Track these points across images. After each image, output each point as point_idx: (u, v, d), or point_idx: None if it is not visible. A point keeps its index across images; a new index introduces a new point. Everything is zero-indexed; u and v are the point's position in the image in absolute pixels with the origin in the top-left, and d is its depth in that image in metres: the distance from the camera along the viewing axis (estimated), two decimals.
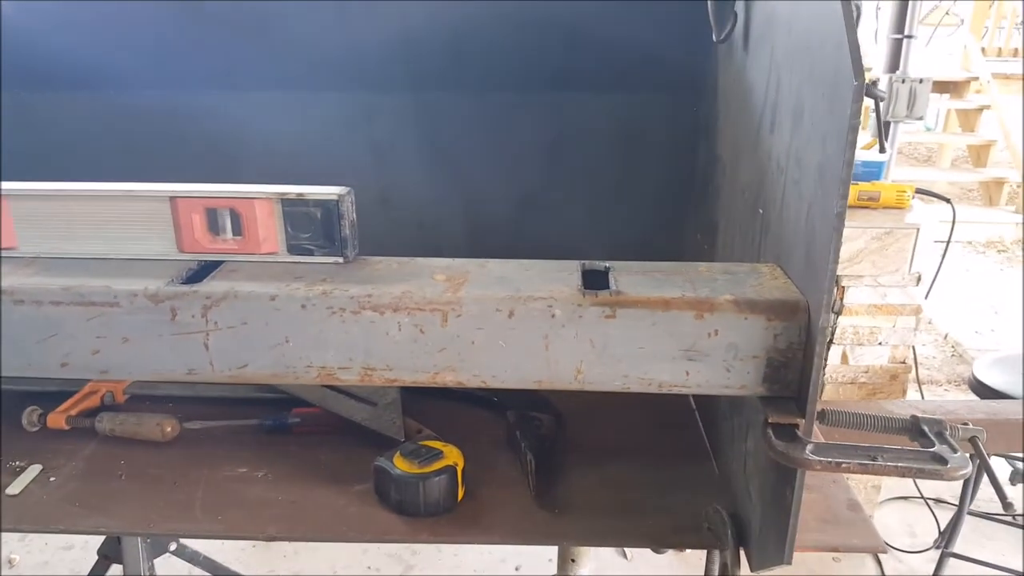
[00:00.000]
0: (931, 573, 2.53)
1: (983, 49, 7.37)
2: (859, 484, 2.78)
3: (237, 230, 0.96)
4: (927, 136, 7.47)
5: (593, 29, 1.41)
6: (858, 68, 0.70)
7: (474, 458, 1.17)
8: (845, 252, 2.39)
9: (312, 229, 0.96)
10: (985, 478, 2.10)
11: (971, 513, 2.46)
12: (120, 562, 1.74)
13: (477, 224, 1.60)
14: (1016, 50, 7.87)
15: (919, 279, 2.55)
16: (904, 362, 2.70)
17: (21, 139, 1.51)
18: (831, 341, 2.58)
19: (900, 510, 3.13)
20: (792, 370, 0.85)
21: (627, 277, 0.91)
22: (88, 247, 0.98)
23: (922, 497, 3.06)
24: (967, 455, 0.80)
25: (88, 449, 1.26)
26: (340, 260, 0.96)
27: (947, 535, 2.46)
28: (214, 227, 0.97)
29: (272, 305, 0.87)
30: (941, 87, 6.87)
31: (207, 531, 1.09)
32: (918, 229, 2.47)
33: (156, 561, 1.78)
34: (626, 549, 2.75)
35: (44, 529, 1.10)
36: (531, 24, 1.40)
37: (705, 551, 1.10)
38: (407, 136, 1.54)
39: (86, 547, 2.77)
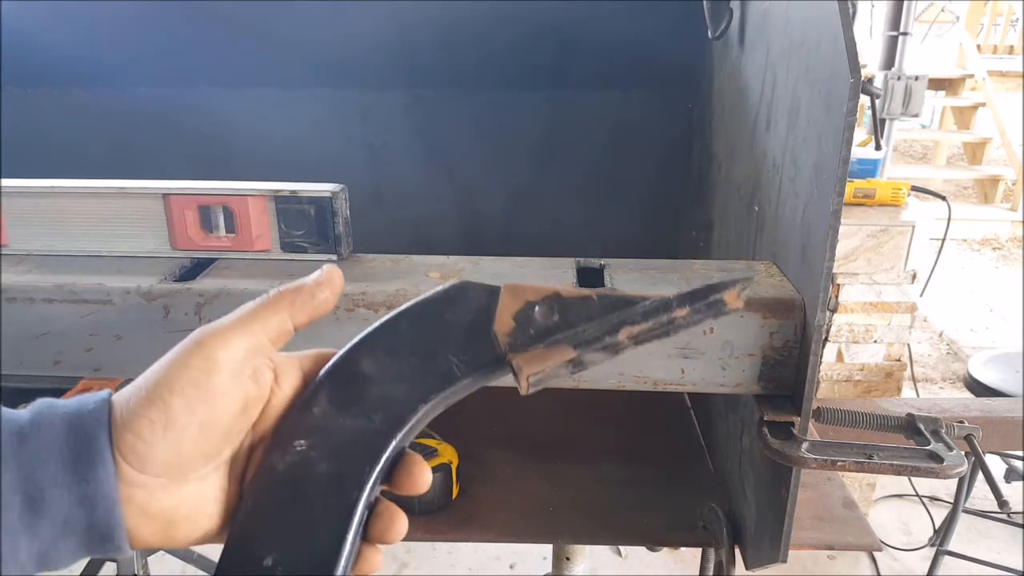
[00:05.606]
0: (926, 571, 2.54)
1: (978, 46, 7.38)
2: (854, 482, 2.79)
3: (230, 227, 0.96)
4: (923, 133, 7.50)
5: (587, 26, 1.40)
6: (854, 65, 0.70)
7: (469, 456, 1.16)
8: (840, 250, 2.39)
9: (306, 226, 0.95)
10: (980, 476, 2.10)
11: (966, 511, 2.46)
12: (114, 560, 1.73)
13: (471, 221, 1.60)
14: (1012, 47, 7.90)
15: (914, 277, 2.55)
16: (899, 360, 2.71)
17: (12, 136, 1.50)
18: (826, 339, 2.59)
19: (895, 508, 3.13)
20: (788, 368, 0.84)
21: (622, 275, 0.91)
22: (81, 244, 0.98)
23: (917, 495, 3.07)
24: (963, 453, 0.80)
25: None
26: (334, 258, 0.96)
27: (942, 533, 2.46)
28: (207, 224, 0.96)
29: None
30: (937, 84, 6.88)
31: None
32: (913, 227, 2.47)
33: (150, 559, 1.77)
34: (621, 547, 2.75)
35: None
36: (525, 21, 1.40)
37: (700, 549, 1.10)
38: (401, 133, 1.54)
39: None
